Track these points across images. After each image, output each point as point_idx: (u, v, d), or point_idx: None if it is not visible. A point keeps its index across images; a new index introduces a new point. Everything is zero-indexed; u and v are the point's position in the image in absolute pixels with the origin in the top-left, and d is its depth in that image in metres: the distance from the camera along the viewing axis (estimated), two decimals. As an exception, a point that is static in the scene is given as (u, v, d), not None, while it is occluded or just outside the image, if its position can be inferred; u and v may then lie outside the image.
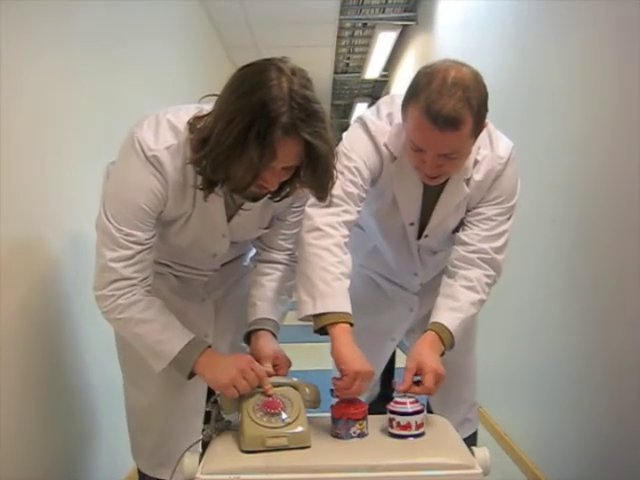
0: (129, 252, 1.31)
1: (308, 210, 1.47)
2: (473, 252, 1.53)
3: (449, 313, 1.47)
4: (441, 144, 1.37)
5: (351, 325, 1.38)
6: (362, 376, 1.29)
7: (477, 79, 1.37)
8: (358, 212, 1.53)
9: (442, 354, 1.44)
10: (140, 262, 1.33)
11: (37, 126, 1.76)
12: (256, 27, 5.30)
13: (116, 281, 1.31)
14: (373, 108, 1.62)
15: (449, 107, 1.31)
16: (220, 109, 1.21)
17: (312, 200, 1.45)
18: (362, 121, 1.56)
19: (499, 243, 1.54)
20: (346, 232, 1.48)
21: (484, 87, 1.38)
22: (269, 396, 1.30)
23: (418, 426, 1.28)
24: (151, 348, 1.37)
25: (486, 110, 1.40)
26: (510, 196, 1.56)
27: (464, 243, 1.55)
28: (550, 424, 2.29)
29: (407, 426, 1.28)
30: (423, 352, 1.39)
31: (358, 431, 1.29)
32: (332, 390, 1.32)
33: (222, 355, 1.39)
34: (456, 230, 1.61)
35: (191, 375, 1.36)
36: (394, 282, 1.85)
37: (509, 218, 1.57)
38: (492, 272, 1.53)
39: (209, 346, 1.38)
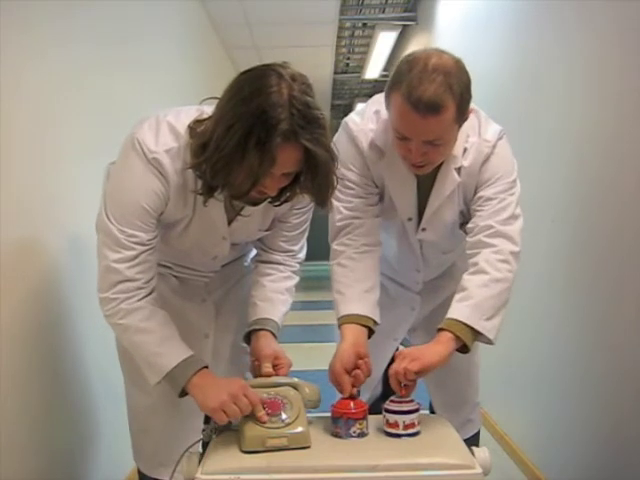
0: (132, 253, 1.30)
1: (329, 241, 1.60)
2: (478, 233, 1.48)
3: (457, 305, 1.43)
4: (424, 130, 1.36)
5: (365, 326, 1.47)
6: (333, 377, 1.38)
7: (458, 65, 1.37)
8: (374, 215, 1.59)
9: (465, 348, 1.39)
10: (143, 263, 1.32)
11: (37, 126, 1.76)
12: (256, 27, 5.30)
13: (120, 283, 1.30)
14: (360, 108, 1.63)
15: (430, 92, 1.31)
16: (220, 114, 1.20)
17: (329, 231, 1.59)
18: (344, 124, 1.58)
19: (504, 215, 1.47)
20: (361, 241, 1.56)
21: (466, 73, 1.38)
22: (268, 402, 1.29)
23: (407, 426, 1.28)
24: (147, 359, 1.34)
25: (469, 96, 1.39)
26: (506, 173, 1.51)
27: (470, 230, 1.51)
28: (550, 424, 2.29)
29: (395, 424, 1.28)
30: (419, 348, 1.39)
31: (358, 431, 1.29)
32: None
33: (217, 377, 1.35)
34: (463, 225, 1.59)
35: (183, 393, 1.33)
36: (396, 281, 1.85)
37: (511, 194, 1.50)
38: (503, 245, 1.44)
39: (206, 366, 1.34)
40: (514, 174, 1.53)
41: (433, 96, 1.31)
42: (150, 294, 1.36)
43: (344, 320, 1.48)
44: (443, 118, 1.34)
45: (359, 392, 1.39)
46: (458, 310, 1.41)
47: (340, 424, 1.29)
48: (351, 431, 1.28)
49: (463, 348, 1.40)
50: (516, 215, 1.49)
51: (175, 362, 1.31)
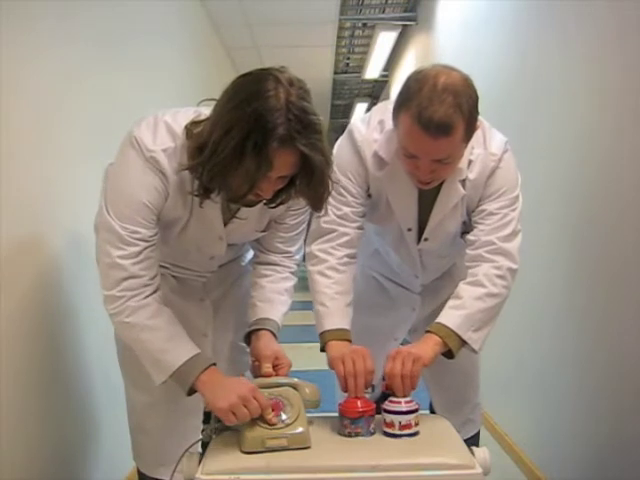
0: (136, 249, 1.31)
1: (308, 241, 1.57)
2: (479, 247, 1.50)
3: (450, 311, 1.46)
4: (434, 150, 1.36)
5: (349, 340, 1.46)
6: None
7: (467, 83, 1.37)
8: (358, 227, 1.58)
9: (450, 353, 1.42)
10: (147, 259, 1.33)
11: (37, 126, 1.76)
12: (256, 27, 5.29)
13: (126, 279, 1.31)
14: (365, 116, 1.62)
15: (440, 113, 1.30)
16: (217, 117, 1.21)
17: (310, 230, 1.56)
18: (349, 131, 1.58)
19: (506, 232, 1.50)
20: (343, 252, 1.55)
21: (474, 91, 1.38)
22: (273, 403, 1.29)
23: (404, 426, 1.28)
24: (153, 357, 1.34)
25: (477, 113, 1.39)
26: (510, 188, 1.53)
27: (471, 243, 1.53)
28: (550, 424, 2.29)
29: (391, 424, 1.29)
30: (410, 348, 1.40)
31: (374, 426, 1.32)
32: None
33: (225, 377, 1.34)
34: (464, 234, 1.60)
35: (191, 392, 1.33)
36: (396, 282, 1.85)
37: (514, 209, 1.52)
38: (502, 262, 1.48)
39: (214, 364, 1.34)
40: (517, 189, 1.55)
41: (444, 117, 1.30)
42: (155, 292, 1.36)
43: (332, 336, 1.46)
44: (453, 138, 1.34)
45: (373, 388, 1.41)
46: (450, 317, 1.44)
47: (361, 423, 1.29)
48: (370, 428, 1.31)
49: (448, 353, 1.43)
50: (517, 231, 1.52)
51: (183, 359, 1.31)
